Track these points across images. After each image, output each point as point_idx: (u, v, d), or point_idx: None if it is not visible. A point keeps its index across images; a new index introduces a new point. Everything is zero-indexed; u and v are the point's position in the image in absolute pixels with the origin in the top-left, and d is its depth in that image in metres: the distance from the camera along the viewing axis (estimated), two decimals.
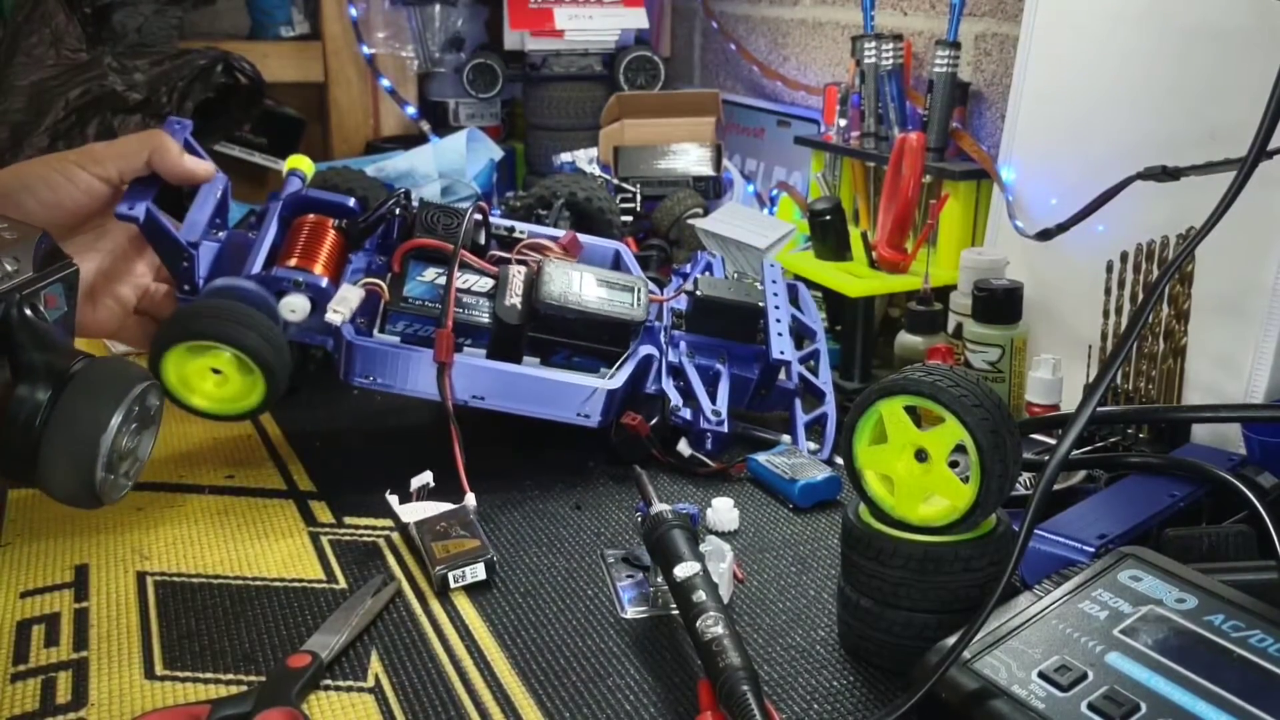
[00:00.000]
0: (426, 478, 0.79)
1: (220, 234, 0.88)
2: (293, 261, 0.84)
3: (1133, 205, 0.89)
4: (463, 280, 0.85)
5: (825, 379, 0.97)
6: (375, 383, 0.83)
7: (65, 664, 0.63)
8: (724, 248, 1.16)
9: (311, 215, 0.87)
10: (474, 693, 0.61)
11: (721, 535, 0.77)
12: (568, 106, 1.60)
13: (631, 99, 1.44)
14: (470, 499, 0.78)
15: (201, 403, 0.82)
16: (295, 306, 0.82)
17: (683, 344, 0.91)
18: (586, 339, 0.86)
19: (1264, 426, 0.75)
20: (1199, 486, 0.72)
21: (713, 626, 0.58)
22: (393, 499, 0.77)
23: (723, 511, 0.79)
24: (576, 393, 0.84)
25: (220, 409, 0.82)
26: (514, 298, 0.84)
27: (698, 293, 0.91)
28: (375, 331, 0.84)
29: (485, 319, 0.84)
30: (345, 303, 0.81)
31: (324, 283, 0.83)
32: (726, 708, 0.54)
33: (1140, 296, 0.82)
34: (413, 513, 0.76)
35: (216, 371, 0.81)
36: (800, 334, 1.00)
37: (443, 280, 0.84)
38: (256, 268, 0.84)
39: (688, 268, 1.00)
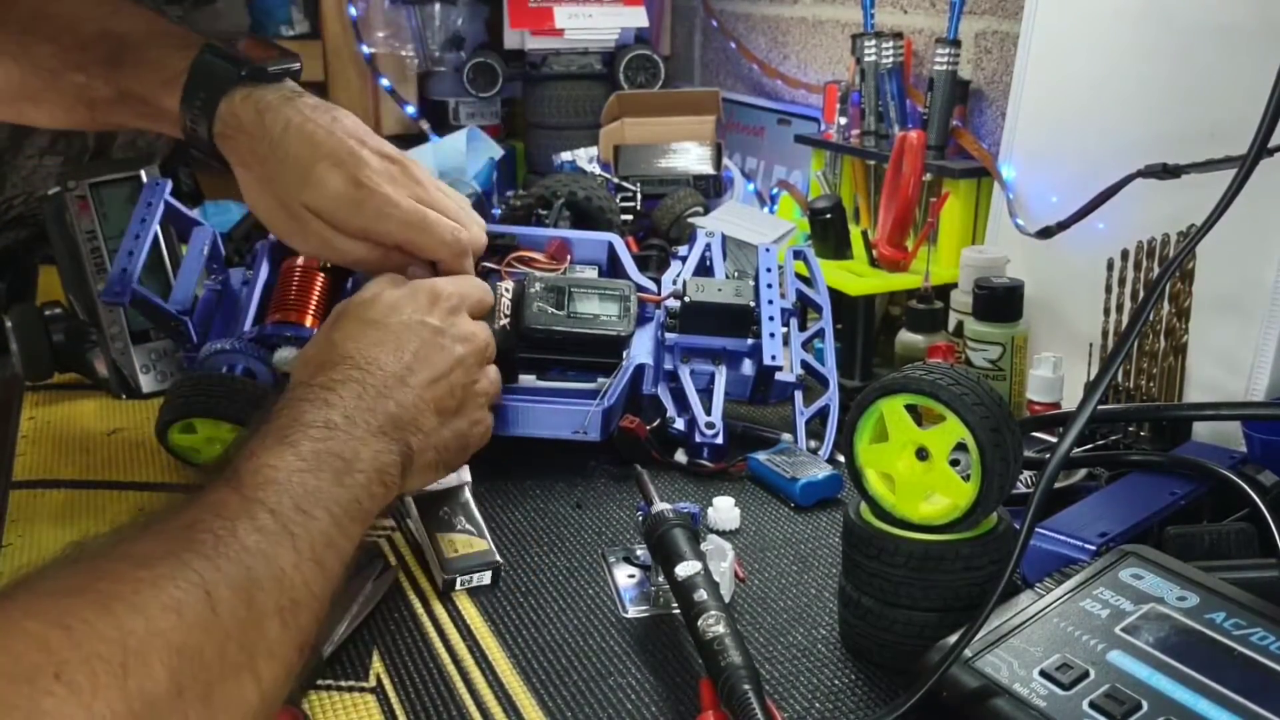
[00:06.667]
0: None
1: (219, 279, 0.93)
2: (282, 315, 0.88)
3: (1133, 203, 0.89)
4: None
5: (830, 365, 0.95)
6: None
7: None
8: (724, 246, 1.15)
9: (300, 259, 0.90)
10: (475, 692, 0.61)
11: (722, 534, 0.77)
12: (568, 105, 1.60)
13: (631, 98, 1.44)
14: (464, 472, 0.77)
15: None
16: (289, 360, 0.86)
17: (677, 349, 0.91)
18: (578, 354, 0.86)
19: (1265, 424, 0.75)
20: (1200, 484, 0.71)
21: (714, 625, 0.58)
22: None
23: (724, 510, 0.79)
24: (572, 416, 0.84)
25: None
26: (502, 319, 0.84)
27: (686, 298, 0.90)
28: None
29: None
30: None
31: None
32: (728, 706, 0.54)
33: (1141, 294, 0.82)
34: None
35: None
36: (806, 307, 0.98)
37: None
38: (249, 323, 0.88)
39: (683, 249, 1.00)
